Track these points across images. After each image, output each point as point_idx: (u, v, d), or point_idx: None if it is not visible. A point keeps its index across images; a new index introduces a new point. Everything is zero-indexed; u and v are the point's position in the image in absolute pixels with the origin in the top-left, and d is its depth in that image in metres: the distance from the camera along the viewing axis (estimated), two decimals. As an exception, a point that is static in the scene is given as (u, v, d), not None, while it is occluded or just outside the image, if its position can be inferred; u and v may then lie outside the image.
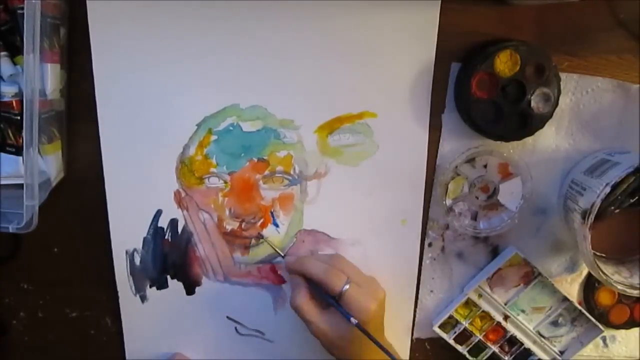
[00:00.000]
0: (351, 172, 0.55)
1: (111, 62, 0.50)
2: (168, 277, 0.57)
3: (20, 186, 0.45)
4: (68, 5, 0.49)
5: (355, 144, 0.54)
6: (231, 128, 0.53)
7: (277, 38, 0.51)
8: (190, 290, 0.58)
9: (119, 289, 0.57)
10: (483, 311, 0.59)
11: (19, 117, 0.46)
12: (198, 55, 0.51)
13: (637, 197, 0.50)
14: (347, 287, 0.49)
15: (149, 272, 0.57)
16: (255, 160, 0.54)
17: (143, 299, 0.57)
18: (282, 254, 0.55)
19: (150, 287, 0.57)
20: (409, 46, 0.51)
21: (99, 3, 0.49)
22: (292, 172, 0.54)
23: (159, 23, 0.50)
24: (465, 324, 0.59)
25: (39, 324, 0.58)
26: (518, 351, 0.60)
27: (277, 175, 0.54)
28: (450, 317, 0.59)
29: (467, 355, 0.60)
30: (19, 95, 0.46)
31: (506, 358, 0.60)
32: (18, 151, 0.47)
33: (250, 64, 0.51)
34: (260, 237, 0.56)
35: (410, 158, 0.55)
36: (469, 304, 0.59)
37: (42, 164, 0.48)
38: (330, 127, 0.53)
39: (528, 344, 0.60)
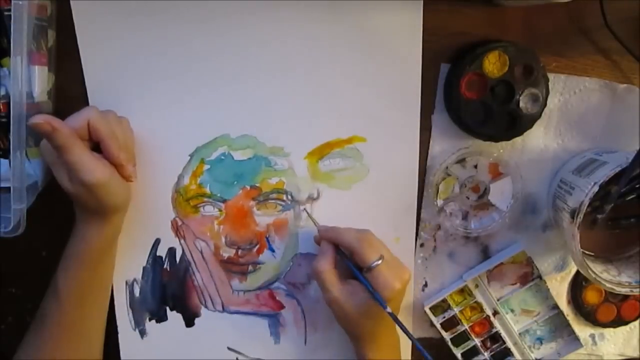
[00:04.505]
0: (343, 195, 0.55)
1: (104, 100, 0.50)
2: (167, 308, 0.57)
3: (7, 189, 0.45)
4: (56, 7, 0.48)
5: (346, 168, 0.54)
6: (223, 157, 0.53)
7: (262, 68, 0.51)
8: (189, 322, 0.57)
9: (118, 323, 0.56)
10: (475, 302, 0.59)
11: (5, 120, 0.45)
12: (188, 87, 0.51)
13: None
14: (379, 262, 0.49)
15: (148, 304, 0.56)
16: (248, 187, 0.54)
17: (142, 333, 0.57)
18: (316, 223, 0.54)
19: (150, 320, 0.57)
20: (394, 63, 0.52)
21: (86, 30, 0.49)
22: (284, 198, 0.54)
23: (149, 61, 0.50)
24: (456, 310, 0.59)
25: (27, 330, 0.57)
26: (498, 349, 0.60)
27: (270, 201, 0.54)
28: (444, 301, 0.59)
29: (450, 344, 0.60)
30: (6, 97, 0.45)
31: (485, 354, 0.60)
32: (4, 154, 0.47)
33: (238, 94, 0.52)
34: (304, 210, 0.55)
35: (401, 178, 0.55)
36: (464, 291, 0.59)
37: (29, 167, 0.47)
38: (320, 152, 0.54)
39: (509, 344, 0.60)
